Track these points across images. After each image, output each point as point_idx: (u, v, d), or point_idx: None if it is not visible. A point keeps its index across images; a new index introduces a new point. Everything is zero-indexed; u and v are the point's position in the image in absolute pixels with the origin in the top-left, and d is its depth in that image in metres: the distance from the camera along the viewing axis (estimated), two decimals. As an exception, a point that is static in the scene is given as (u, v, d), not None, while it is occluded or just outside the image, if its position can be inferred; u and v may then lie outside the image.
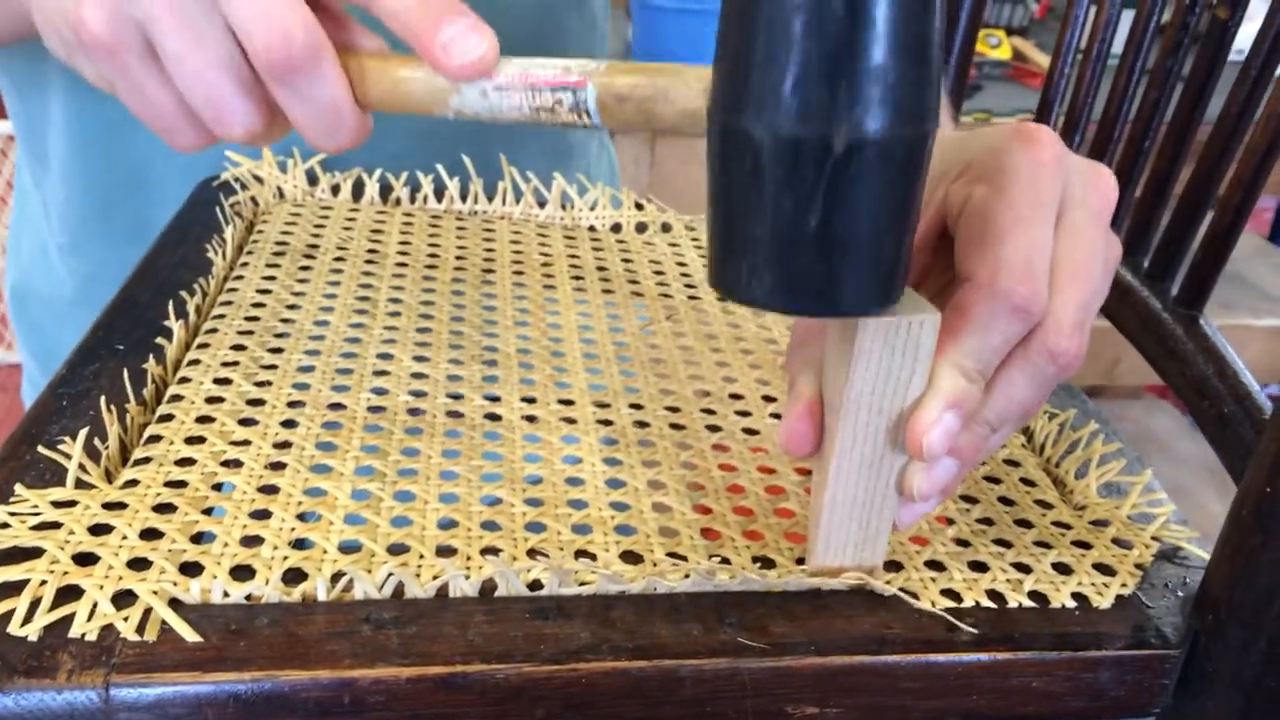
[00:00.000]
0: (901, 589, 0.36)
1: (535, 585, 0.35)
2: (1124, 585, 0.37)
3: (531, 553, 0.36)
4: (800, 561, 0.37)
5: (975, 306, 0.31)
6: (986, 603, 0.36)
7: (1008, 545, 0.39)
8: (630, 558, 0.36)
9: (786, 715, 0.34)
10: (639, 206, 0.64)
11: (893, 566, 0.37)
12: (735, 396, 0.47)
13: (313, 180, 0.61)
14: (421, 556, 0.35)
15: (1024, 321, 0.32)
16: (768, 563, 0.37)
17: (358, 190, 0.62)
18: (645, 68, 0.33)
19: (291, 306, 0.49)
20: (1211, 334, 0.42)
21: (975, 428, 0.33)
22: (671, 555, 0.37)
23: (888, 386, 0.32)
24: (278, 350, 0.45)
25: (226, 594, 0.32)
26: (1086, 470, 0.43)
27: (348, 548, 0.35)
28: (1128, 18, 0.49)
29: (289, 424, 0.40)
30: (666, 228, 0.64)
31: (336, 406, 0.42)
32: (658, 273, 0.58)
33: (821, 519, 0.35)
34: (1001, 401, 0.33)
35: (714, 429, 0.44)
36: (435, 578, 0.34)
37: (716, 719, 0.33)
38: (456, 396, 0.44)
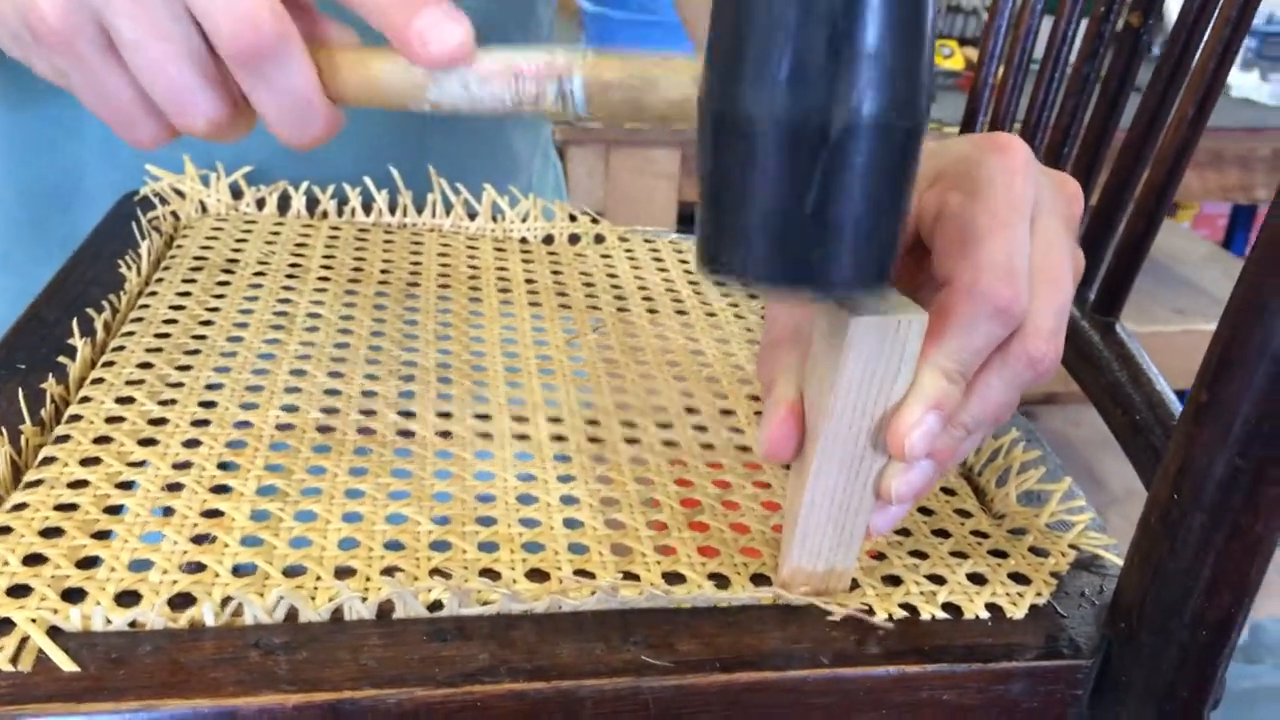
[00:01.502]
0: (814, 604, 0.35)
1: (436, 606, 0.34)
2: (1039, 595, 0.37)
3: (435, 572, 0.35)
4: (713, 578, 0.36)
5: (958, 308, 0.31)
6: (901, 615, 0.36)
7: (923, 556, 0.38)
8: (538, 576, 0.36)
9: (692, 735, 0.33)
10: (573, 218, 0.64)
11: (805, 580, 0.37)
12: (658, 408, 0.46)
13: (237, 194, 0.60)
14: (318, 578, 0.34)
15: (1006, 323, 0.32)
16: (678, 578, 0.36)
17: (284, 204, 0.61)
18: (632, 56, 0.33)
19: (205, 323, 0.48)
20: (1127, 340, 0.42)
21: (953, 430, 0.33)
22: (580, 573, 0.36)
23: (872, 386, 0.32)
24: (186, 368, 0.44)
25: (109, 621, 0.31)
26: (1007, 478, 0.43)
27: (243, 570, 0.34)
28: (1048, 24, 0.49)
29: (191, 444, 0.39)
30: (600, 239, 0.63)
31: (243, 425, 0.41)
32: (587, 285, 0.57)
33: (799, 521, 0.34)
34: (979, 405, 0.33)
35: (632, 442, 0.44)
36: (331, 600, 0.33)
37: (620, 740, 0.33)
38: (369, 413, 0.43)
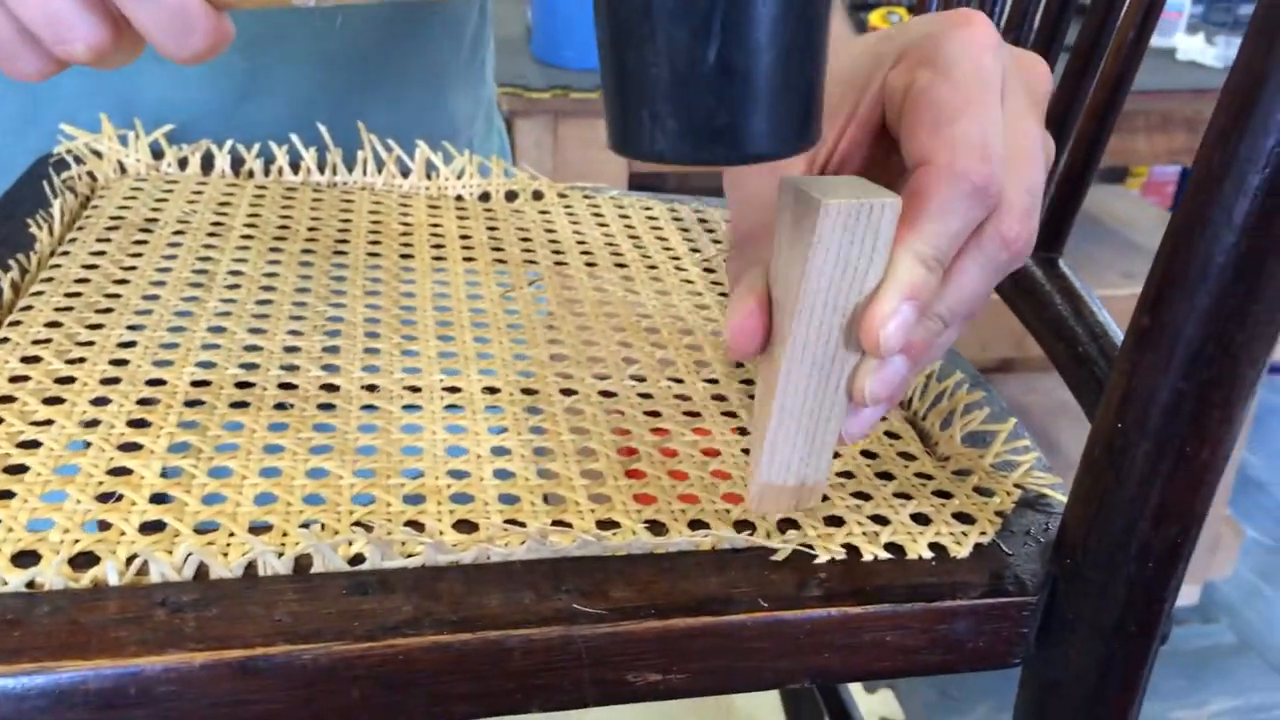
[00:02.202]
0: (753, 546, 0.34)
1: (357, 560, 0.32)
2: (983, 534, 0.36)
3: (357, 525, 0.33)
4: (649, 525, 0.35)
5: (933, 189, 0.30)
6: (842, 557, 0.34)
7: (866, 498, 0.37)
8: (466, 527, 0.34)
9: (628, 684, 0.32)
10: (509, 174, 0.62)
11: (744, 526, 0.35)
12: (595, 359, 0.45)
13: (158, 154, 0.58)
14: (231, 534, 0.32)
15: (983, 203, 0.30)
16: (613, 526, 0.35)
17: (207, 164, 0.58)
18: None
19: (120, 281, 0.46)
20: (1070, 275, 0.41)
21: (928, 322, 0.31)
22: (510, 523, 0.35)
23: (844, 279, 0.30)
24: (97, 327, 0.42)
25: (4, 582, 0.29)
26: (951, 421, 0.42)
27: (153, 528, 0.32)
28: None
29: (100, 401, 0.37)
30: (538, 195, 0.62)
31: (156, 382, 0.39)
32: (524, 240, 0.56)
33: (768, 431, 0.32)
34: (955, 292, 0.31)
35: (568, 393, 0.42)
36: (244, 555, 0.31)
37: (551, 691, 0.31)
38: (291, 369, 0.41)
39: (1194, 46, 1.55)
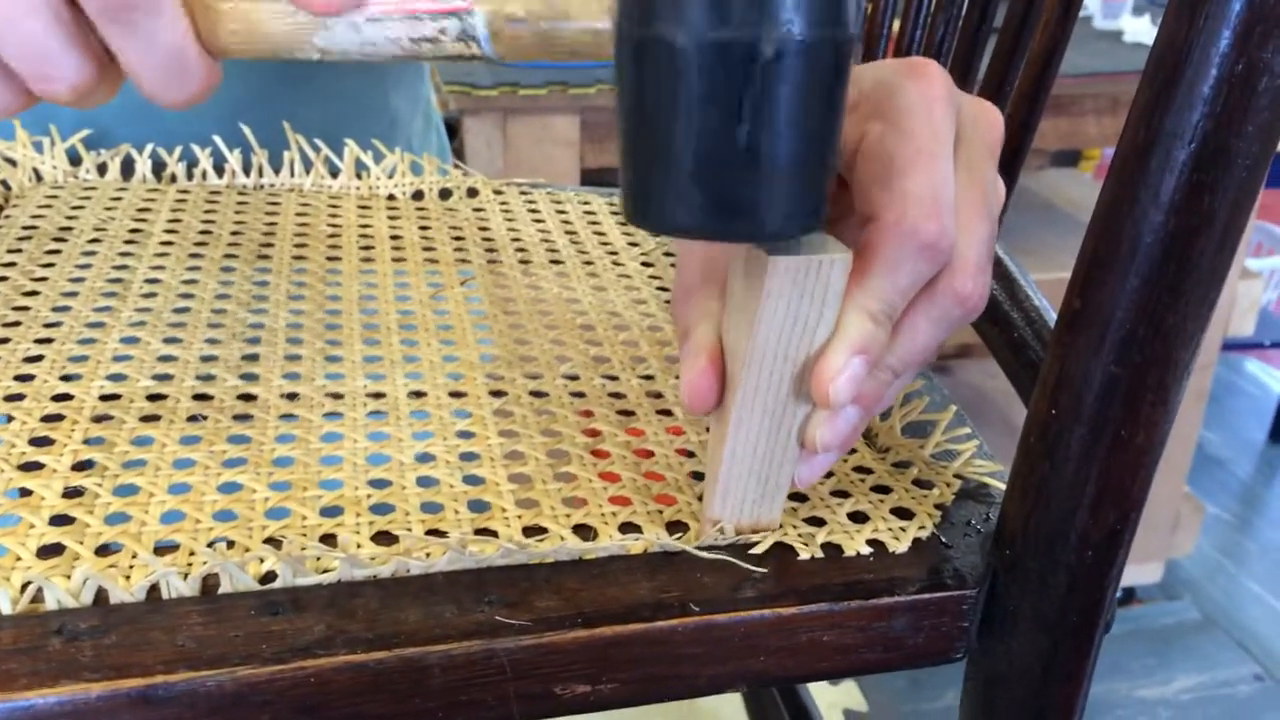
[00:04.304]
0: (686, 550, 0.33)
1: (269, 578, 0.31)
2: (922, 528, 0.35)
3: (269, 542, 0.32)
4: (578, 529, 0.34)
5: (883, 246, 0.29)
6: (777, 558, 0.33)
7: (803, 499, 0.36)
8: (385, 539, 0.33)
9: (555, 697, 0.31)
10: (443, 173, 0.61)
11: (677, 528, 0.34)
12: (527, 359, 0.44)
13: (76, 160, 0.56)
14: (134, 556, 0.31)
15: (933, 260, 0.30)
16: (540, 532, 0.34)
17: (127, 169, 0.57)
18: None
19: (30, 293, 0.44)
20: (1005, 258, 0.40)
21: (879, 374, 0.31)
22: (433, 533, 0.33)
23: (794, 331, 0.29)
24: (2, 341, 0.40)
25: (-114, 615, 0.28)
26: (891, 412, 0.41)
27: (51, 551, 0.31)
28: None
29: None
30: (473, 193, 0.60)
31: (62, 398, 0.37)
32: (457, 239, 0.54)
33: (720, 474, 0.32)
34: (906, 346, 0.31)
35: (498, 394, 0.41)
36: (146, 578, 0.30)
37: (475, 708, 0.30)
38: (207, 379, 0.40)
39: (1141, 28, 1.56)
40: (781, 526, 0.35)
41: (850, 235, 0.31)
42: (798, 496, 0.36)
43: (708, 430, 0.36)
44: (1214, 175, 0.28)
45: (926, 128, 0.30)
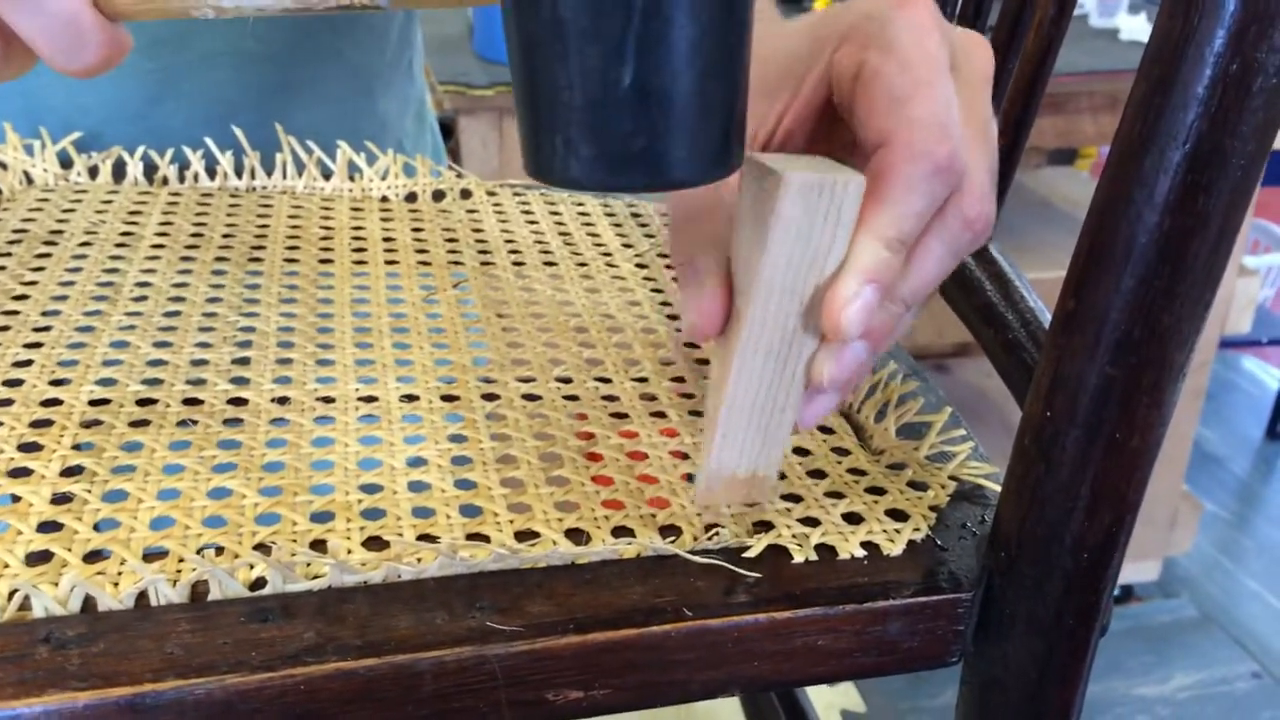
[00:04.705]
0: (680, 554, 0.33)
1: (259, 584, 0.30)
2: (917, 530, 0.35)
3: (259, 548, 0.32)
4: (571, 534, 0.34)
5: (896, 169, 0.29)
6: (770, 561, 0.33)
7: (797, 500, 0.36)
8: (376, 544, 0.33)
9: (548, 703, 0.30)
10: (436, 174, 0.60)
11: (670, 531, 0.34)
12: (519, 362, 0.43)
13: (66, 163, 0.56)
14: (123, 562, 0.30)
15: (947, 182, 0.29)
16: (533, 537, 0.33)
17: (119, 172, 0.56)
18: None
19: (19, 298, 0.44)
20: (1000, 259, 0.40)
21: (890, 305, 0.30)
22: (424, 538, 0.33)
23: (805, 260, 0.28)
24: (-9, 346, 0.40)
25: None
26: (886, 413, 0.41)
27: (39, 558, 0.30)
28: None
29: (-10, 426, 0.36)
30: (466, 194, 0.60)
31: (51, 403, 0.37)
32: (450, 241, 0.54)
33: (719, 420, 0.31)
34: (917, 275, 0.31)
35: (490, 398, 0.41)
36: (135, 585, 0.29)
37: (466, 715, 0.30)
38: (197, 383, 0.39)
39: (1137, 26, 1.56)
40: (775, 528, 0.34)
41: (851, 167, 0.30)
42: (792, 496, 0.36)
43: (701, 416, 0.35)
44: (1209, 176, 0.28)
45: (924, 56, 0.30)
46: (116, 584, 0.30)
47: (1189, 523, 1.67)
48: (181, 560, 0.31)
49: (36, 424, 0.36)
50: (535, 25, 0.24)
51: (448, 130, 1.31)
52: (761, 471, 0.33)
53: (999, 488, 0.37)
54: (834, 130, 0.32)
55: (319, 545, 0.32)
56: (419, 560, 0.31)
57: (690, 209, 0.32)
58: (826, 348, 0.30)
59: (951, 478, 0.38)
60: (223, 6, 0.30)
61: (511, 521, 0.34)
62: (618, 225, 0.58)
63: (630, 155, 0.25)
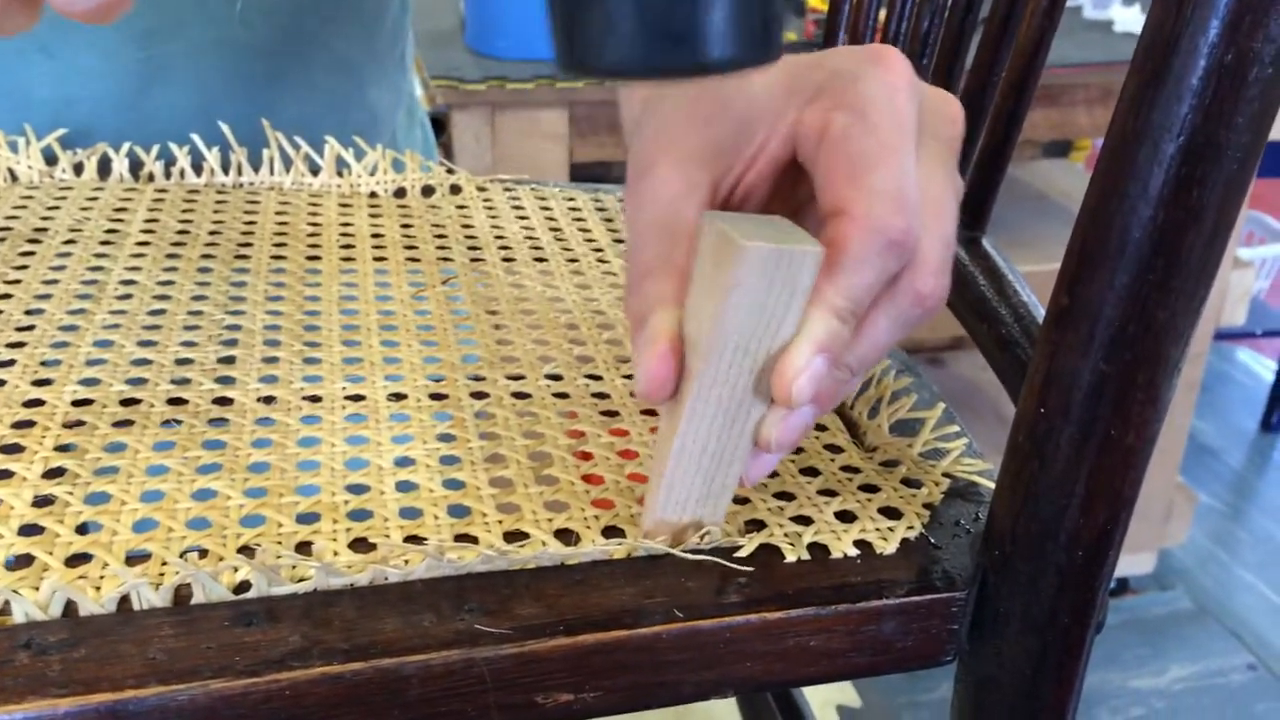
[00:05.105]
0: (671, 554, 0.32)
1: (243, 588, 0.30)
2: (910, 528, 0.35)
3: (243, 550, 0.31)
4: (560, 534, 0.33)
5: (850, 241, 0.29)
6: (763, 559, 0.33)
7: (790, 498, 0.36)
8: (363, 546, 0.32)
9: (537, 706, 0.30)
10: (426, 169, 0.60)
11: (661, 529, 0.34)
12: (509, 359, 0.43)
13: (51, 160, 0.55)
14: (105, 566, 0.30)
15: (899, 257, 0.29)
16: (522, 538, 0.33)
17: (104, 168, 0.56)
18: None
19: (2, 296, 0.43)
20: (993, 254, 0.40)
21: (837, 372, 0.30)
22: (411, 539, 0.33)
23: (759, 325, 0.29)
24: (-27, 346, 0.40)
25: None
26: (879, 409, 0.40)
27: (20, 562, 0.30)
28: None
29: (-30, 427, 0.35)
30: (456, 189, 0.59)
31: (33, 403, 0.37)
32: (439, 237, 0.54)
33: (666, 470, 0.31)
34: (865, 344, 0.31)
35: (479, 396, 0.40)
36: (117, 589, 0.29)
37: (456, 718, 0.29)
38: (182, 382, 0.39)
39: (1131, 18, 1.55)
40: (766, 527, 0.34)
41: (810, 224, 0.30)
42: (784, 495, 0.36)
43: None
44: (1203, 169, 0.27)
45: (892, 120, 0.30)
46: (98, 588, 0.29)
47: (1184, 515, 1.67)
48: (165, 563, 0.30)
49: (18, 424, 0.35)
50: None
51: (440, 125, 1.31)
52: (707, 521, 0.33)
53: (993, 485, 0.37)
54: (796, 186, 0.32)
55: (304, 547, 0.32)
56: (406, 562, 0.31)
57: (645, 268, 0.32)
58: (774, 411, 0.30)
59: (945, 475, 0.37)
60: None
61: (500, 522, 0.34)
62: (609, 220, 0.57)
63: (673, 33, 0.24)
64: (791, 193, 0.33)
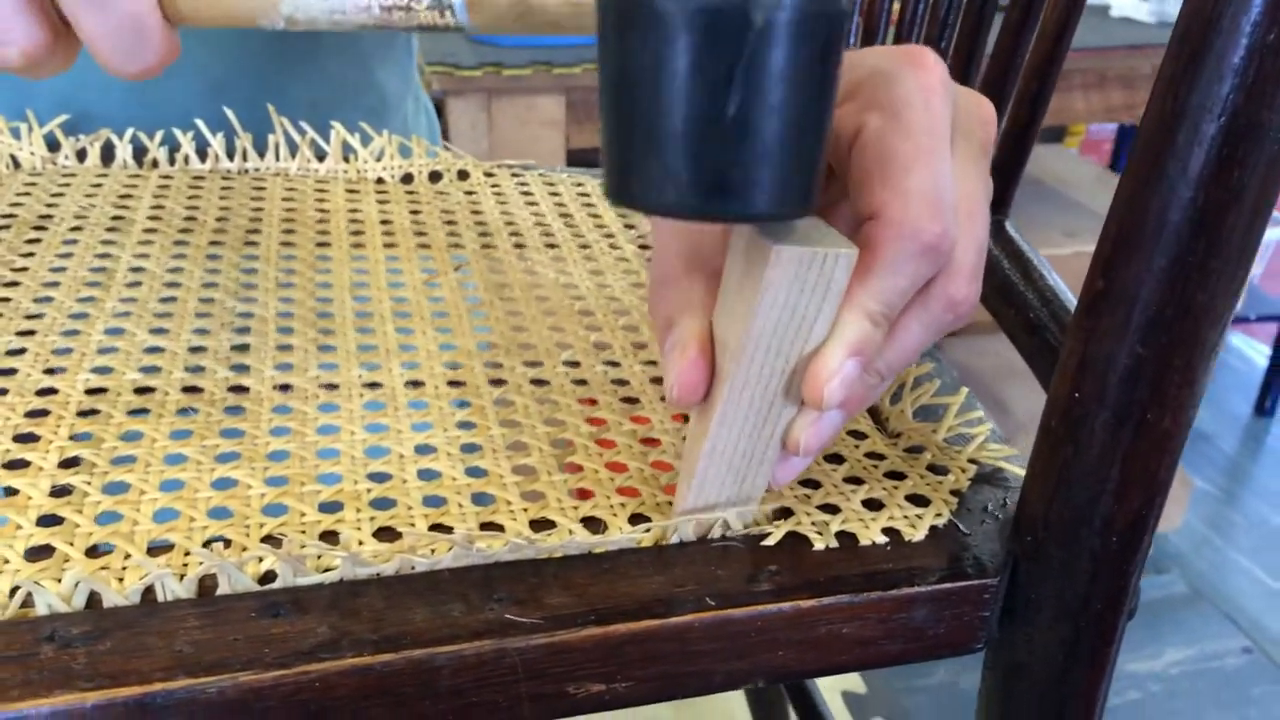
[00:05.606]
0: (698, 540, 0.32)
1: (268, 578, 0.30)
2: (938, 515, 0.34)
3: (267, 540, 0.31)
4: (587, 522, 0.33)
5: (885, 245, 0.28)
6: (792, 547, 0.32)
7: (816, 486, 0.35)
8: (387, 535, 0.32)
9: (569, 696, 0.30)
10: (432, 155, 0.59)
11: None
12: (525, 346, 0.42)
13: (54, 146, 0.54)
14: (127, 556, 0.29)
15: (934, 262, 0.29)
16: (548, 525, 0.33)
17: (108, 154, 0.55)
18: None
19: (10, 284, 0.42)
20: (1017, 238, 0.39)
21: (867, 377, 0.30)
22: (436, 528, 0.32)
23: (791, 327, 0.28)
24: (-17, 334, 0.39)
25: None
26: (901, 394, 0.40)
27: (40, 553, 0.29)
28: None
29: (-17, 417, 0.34)
30: (463, 175, 0.59)
31: (47, 392, 0.36)
32: (449, 223, 0.53)
33: (696, 471, 0.31)
34: (897, 349, 0.30)
35: (497, 383, 0.40)
36: (141, 580, 0.29)
37: (486, 710, 0.29)
38: (196, 370, 0.38)
39: (1127, 3, 1.55)
40: (794, 514, 0.34)
41: (840, 225, 0.30)
42: (811, 483, 0.36)
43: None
44: (1244, 149, 0.27)
45: (927, 122, 0.29)
46: (121, 579, 0.29)
47: (1179, 499, 1.67)
48: (187, 554, 0.30)
49: (32, 414, 0.35)
50: (639, 55, 0.24)
51: (436, 112, 1.30)
52: (734, 522, 0.33)
53: (1019, 470, 0.37)
54: (827, 187, 0.32)
55: (329, 536, 0.31)
56: (433, 551, 0.30)
57: (671, 272, 0.31)
58: (805, 415, 0.30)
59: (971, 460, 0.37)
60: (294, 17, 0.30)
61: (525, 510, 0.33)
62: (619, 206, 0.57)
63: (725, 186, 0.25)
64: (823, 192, 0.32)
